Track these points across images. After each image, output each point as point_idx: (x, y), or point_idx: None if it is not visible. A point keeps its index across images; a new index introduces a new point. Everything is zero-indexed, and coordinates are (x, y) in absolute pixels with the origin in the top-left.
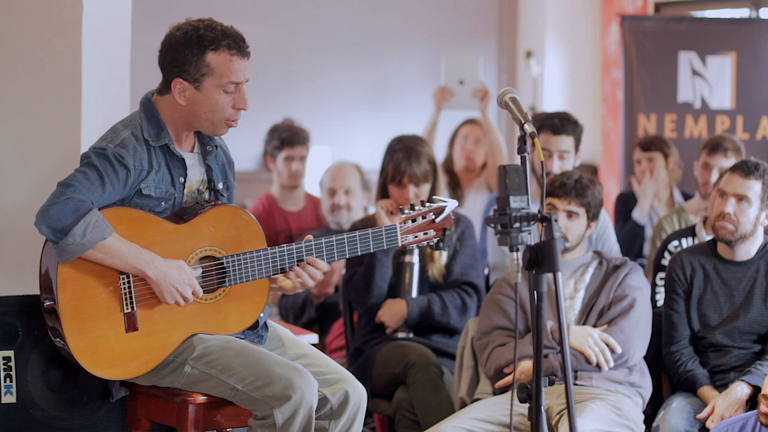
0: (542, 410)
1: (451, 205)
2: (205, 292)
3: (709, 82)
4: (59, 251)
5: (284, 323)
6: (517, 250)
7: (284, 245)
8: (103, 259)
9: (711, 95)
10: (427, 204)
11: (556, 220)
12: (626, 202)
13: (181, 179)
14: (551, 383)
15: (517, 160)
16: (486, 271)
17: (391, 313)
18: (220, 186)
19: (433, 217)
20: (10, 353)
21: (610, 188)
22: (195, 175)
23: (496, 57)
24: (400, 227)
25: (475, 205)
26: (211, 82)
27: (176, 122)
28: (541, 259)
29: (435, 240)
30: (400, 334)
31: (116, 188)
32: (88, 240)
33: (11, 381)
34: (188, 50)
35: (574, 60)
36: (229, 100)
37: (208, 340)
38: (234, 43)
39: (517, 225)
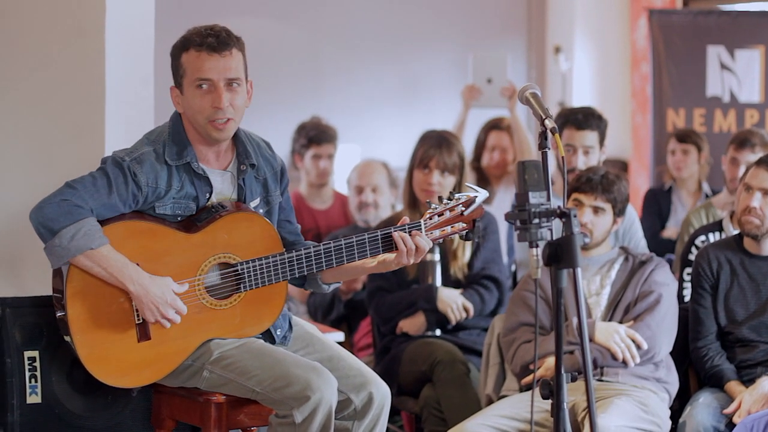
0: (564, 406)
1: (482, 196)
2: (219, 298)
3: (738, 75)
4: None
5: (312, 321)
6: (537, 246)
7: (301, 248)
8: (90, 267)
9: (740, 89)
10: (456, 196)
11: (575, 216)
12: (656, 197)
13: (207, 196)
14: (573, 379)
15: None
16: (513, 268)
17: (411, 323)
18: (254, 204)
19: (462, 209)
20: (35, 353)
21: (640, 183)
22: (224, 193)
23: (524, 53)
24: (425, 223)
25: (504, 202)
26: (187, 82)
27: (195, 134)
28: (560, 255)
29: (464, 232)
30: (427, 332)
31: (123, 199)
32: (74, 245)
33: (36, 381)
34: (173, 57)
35: (603, 55)
36: (208, 100)
37: (225, 343)
38: (202, 40)
39: (536, 221)
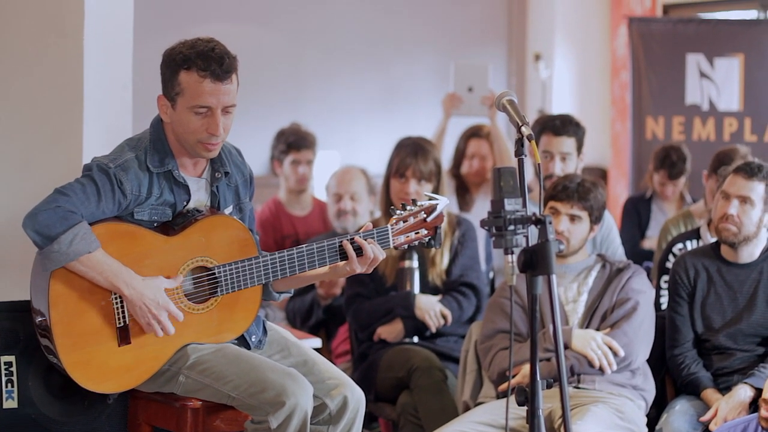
0: (539, 413)
1: (442, 203)
2: (197, 302)
3: (717, 84)
4: (43, 259)
5: (291, 328)
6: (512, 253)
7: (276, 252)
8: (84, 272)
9: (719, 97)
10: (419, 203)
11: (550, 223)
12: (636, 205)
13: (184, 203)
14: (549, 386)
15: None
16: (491, 275)
17: (389, 330)
18: (228, 211)
19: (425, 216)
20: (12, 358)
21: (620, 191)
22: (199, 200)
23: (505, 60)
24: (392, 229)
25: (483, 210)
26: (183, 102)
27: (177, 143)
28: (535, 262)
29: (426, 239)
30: (405, 339)
31: (110, 207)
32: (73, 251)
33: (13, 386)
34: (168, 67)
35: (583, 63)
36: (203, 123)
37: (202, 348)
38: (206, 64)
39: (511, 228)
